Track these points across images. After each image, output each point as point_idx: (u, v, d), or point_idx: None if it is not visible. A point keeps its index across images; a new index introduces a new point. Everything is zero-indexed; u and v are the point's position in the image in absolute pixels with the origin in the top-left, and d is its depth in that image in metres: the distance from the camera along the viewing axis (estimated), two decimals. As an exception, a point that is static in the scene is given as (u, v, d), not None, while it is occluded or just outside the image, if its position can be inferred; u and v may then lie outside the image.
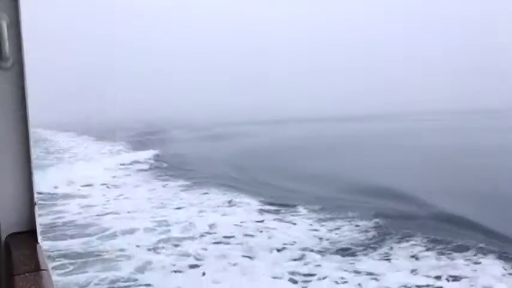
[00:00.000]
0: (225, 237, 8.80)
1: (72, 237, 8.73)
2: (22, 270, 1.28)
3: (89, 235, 8.85)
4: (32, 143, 1.51)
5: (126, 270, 7.03)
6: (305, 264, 7.19)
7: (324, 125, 49.07)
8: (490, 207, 10.79)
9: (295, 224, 9.37)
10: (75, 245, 8.21)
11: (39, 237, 1.53)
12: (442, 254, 7.53)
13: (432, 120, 49.13)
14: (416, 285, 6.33)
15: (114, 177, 16.46)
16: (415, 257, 7.34)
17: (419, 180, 14.57)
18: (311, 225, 9.20)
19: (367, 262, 7.09)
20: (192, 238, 8.77)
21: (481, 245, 7.88)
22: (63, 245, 8.19)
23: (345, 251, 7.65)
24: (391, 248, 7.72)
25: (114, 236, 8.80)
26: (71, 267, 7.12)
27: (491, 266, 7.14)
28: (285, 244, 8.10)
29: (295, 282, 6.59)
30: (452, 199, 11.48)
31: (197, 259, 7.70)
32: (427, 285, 6.29)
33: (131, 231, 9.07)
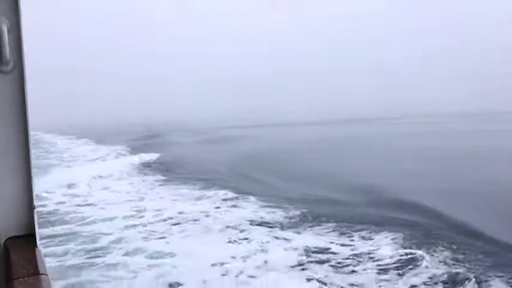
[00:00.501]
0: (189, 220, 11.30)
1: (52, 224, 10.89)
2: (21, 274, 1.29)
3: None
4: (31, 147, 1.52)
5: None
6: (241, 231, 9.84)
7: (315, 128, 51.62)
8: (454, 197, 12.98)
9: (244, 208, 11.97)
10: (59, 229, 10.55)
11: (38, 241, 1.53)
12: (344, 233, 9.91)
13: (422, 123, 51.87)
14: (315, 247, 8.81)
15: (104, 177, 18.44)
16: (320, 234, 9.84)
17: (398, 178, 16.54)
18: (255, 209, 11.77)
19: (283, 234, 9.66)
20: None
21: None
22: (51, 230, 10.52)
23: (269, 226, 10.25)
24: (305, 229, 10.21)
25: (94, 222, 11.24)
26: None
27: (380, 239, 9.53)
28: (230, 221, 10.72)
29: (233, 242, 9.37)
30: (420, 193, 13.36)
31: (164, 233, 10.20)
32: (319, 246, 8.80)
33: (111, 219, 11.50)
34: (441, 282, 7.13)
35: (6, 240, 1.51)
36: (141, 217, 11.56)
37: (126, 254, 8.68)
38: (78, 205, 12.99)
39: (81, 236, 9.86)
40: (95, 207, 12.74)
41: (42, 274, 1.30)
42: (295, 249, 8.70)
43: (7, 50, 1.39)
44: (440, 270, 7.52)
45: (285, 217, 11.09)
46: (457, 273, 7.36)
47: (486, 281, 7.05)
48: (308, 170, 19.48)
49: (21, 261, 1.36)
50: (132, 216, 11.67)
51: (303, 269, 7.78)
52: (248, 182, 16.64)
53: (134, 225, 10.78)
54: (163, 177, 17.90)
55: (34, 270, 1.32)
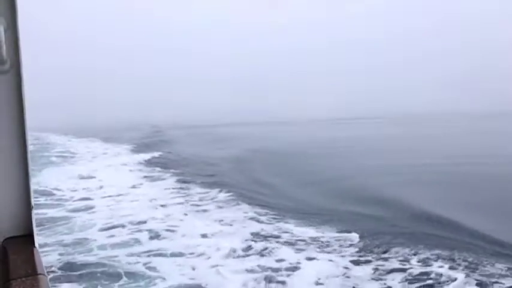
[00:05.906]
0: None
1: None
2: (19, 274, 1.30)
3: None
4: (29, 147, 1.53)
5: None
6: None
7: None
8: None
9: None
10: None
11: (36, 241, 1.56)
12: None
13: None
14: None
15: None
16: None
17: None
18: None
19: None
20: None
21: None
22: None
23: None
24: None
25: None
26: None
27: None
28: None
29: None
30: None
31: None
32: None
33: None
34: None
35: (4, 240, 1.52)
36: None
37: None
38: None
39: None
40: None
41: (40, 274, 1.31)
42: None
43: (4, 50, 1.40)
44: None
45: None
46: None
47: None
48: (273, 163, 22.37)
49: (20, 262, 1.38)
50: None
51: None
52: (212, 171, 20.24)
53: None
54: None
55: (32, 270, 1.33)
